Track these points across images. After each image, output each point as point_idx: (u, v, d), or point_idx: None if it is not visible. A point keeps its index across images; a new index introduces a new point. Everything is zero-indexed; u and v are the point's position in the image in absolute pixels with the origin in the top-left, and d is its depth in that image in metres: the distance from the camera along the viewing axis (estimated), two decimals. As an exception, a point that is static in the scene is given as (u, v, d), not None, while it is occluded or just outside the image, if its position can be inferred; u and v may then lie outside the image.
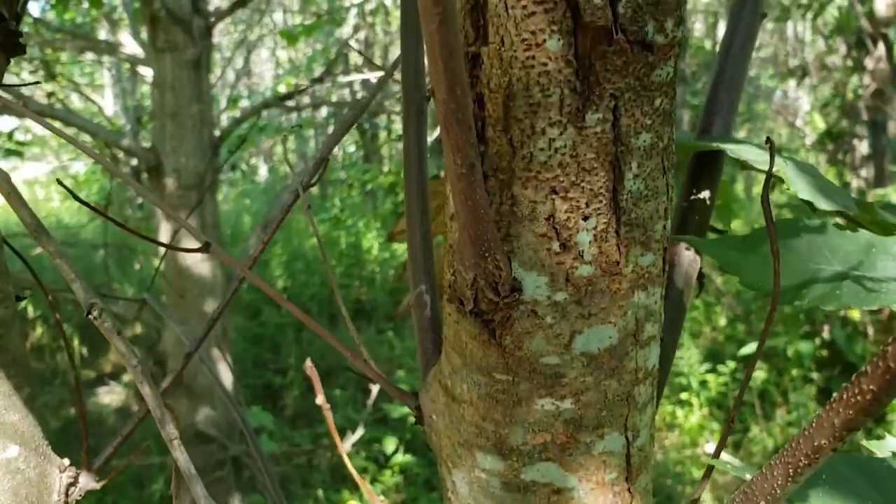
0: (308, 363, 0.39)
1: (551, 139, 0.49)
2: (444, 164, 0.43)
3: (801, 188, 0.67)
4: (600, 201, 0.50)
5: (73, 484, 0.71)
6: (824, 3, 6.18)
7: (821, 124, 8.02)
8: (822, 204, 0.67)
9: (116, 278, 7.79)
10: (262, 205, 10.50)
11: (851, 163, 6.56)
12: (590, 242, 0.50)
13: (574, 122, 0.48)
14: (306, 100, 7.15)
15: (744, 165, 0.81)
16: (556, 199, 0.49)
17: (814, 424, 0.36)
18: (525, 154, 0.49)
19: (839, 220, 0.72)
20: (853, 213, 0.68)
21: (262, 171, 13.76)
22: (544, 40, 0.47)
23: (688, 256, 0.75)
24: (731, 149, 0.70)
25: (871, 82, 5.86)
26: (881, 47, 5.69)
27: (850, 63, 6.44)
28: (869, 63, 5.78)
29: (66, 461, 0.72)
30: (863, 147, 6.39)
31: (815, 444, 0.36)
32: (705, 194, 0.76)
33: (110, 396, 7.08)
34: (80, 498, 0.72)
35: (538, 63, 0.48)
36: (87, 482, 0.72)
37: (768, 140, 0.53)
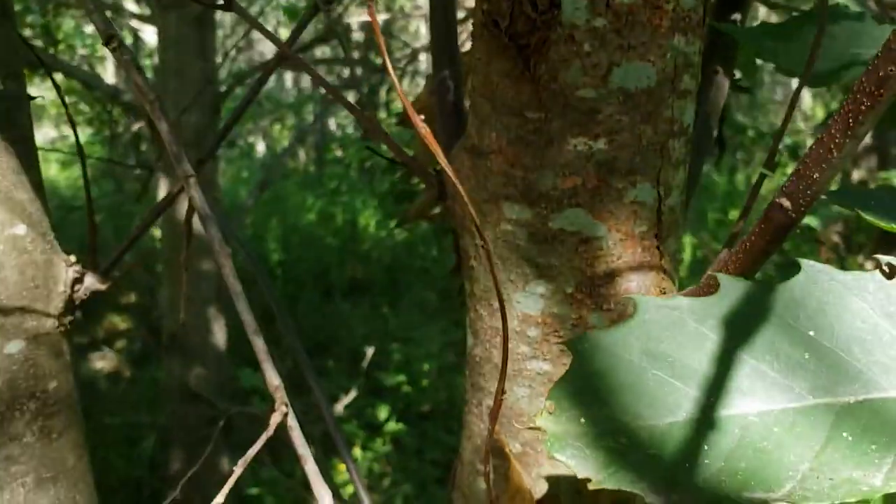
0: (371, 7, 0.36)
1: None
2: None
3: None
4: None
5: (78, 280, 0.69)
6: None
7: (822, 114, 7.99)
8: (856, 6, 0.65)
9: (114, 242, 7.76)
10: (259, 176, 10.47)
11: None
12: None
13: None
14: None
15: (769, 4, 0.79)
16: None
17: (881, 53, 0.34)
18: None
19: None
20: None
21: (260, 148, 13.72)
22: None
23: (717, 80, 0.73)
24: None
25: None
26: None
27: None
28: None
29: (73, 258, 0.70)
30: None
31: (882, 73, 0.34)
32: (736, 16, 0.74)
33: (102, 362, 7.05)
34: (84, 297, 0.69)
35: None
36: (92, 282, 0.70)
37: None
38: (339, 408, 4.68)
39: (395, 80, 0.40)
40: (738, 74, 0.86)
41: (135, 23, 5.46)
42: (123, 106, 4.74)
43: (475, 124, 0.54)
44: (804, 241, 6.56)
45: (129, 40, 9.40)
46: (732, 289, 0.37)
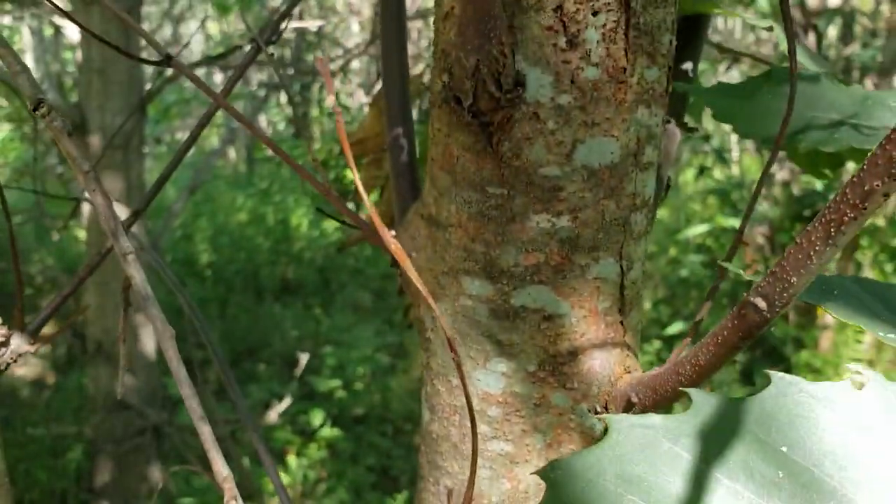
0: (319, 61, 0.34)
1: (561, -79, 0.45)
2: None
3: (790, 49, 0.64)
4: (612, -2, 0.46)
5: (3, 344, 0.64)
6: (755, -6, 6.31)
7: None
8: (811, 66, 0.65)
9: (34, 248, 7.52)
10: (188, 178, 10.27)
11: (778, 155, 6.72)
12: (598, 41, 0.46)
13: None
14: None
15: (721, 48, 0.79)
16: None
17: (864, 167, 0.33)
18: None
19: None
20: (838, 77, 0.66)
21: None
22: None
23: (670, 129, 0.73)
24: (719, 11, 0.68)
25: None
26: (811, 38, 5.83)
27: (780, 51, 6.59)
28: (798, 53, 5.92)
29: (-1, 318, 0.65)
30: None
31: (866, 187, 0.33)
32: (688, 65, 0.73)
33: (25, 368, 6.83)
34: (11, 361, 0.65)
35: None
36: (19, 344, 0.66)
37: (790, 50, 0.51)
38: (273, 415, 4.61)
39: (353, 166, 0.37)
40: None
41: (57, 18, 5.29)
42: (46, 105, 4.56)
43: (433, 194, 0.52)
44: (729, 243, 6.70)
45: (48, 32, 9.09)
46: (705, 405, 0.36)
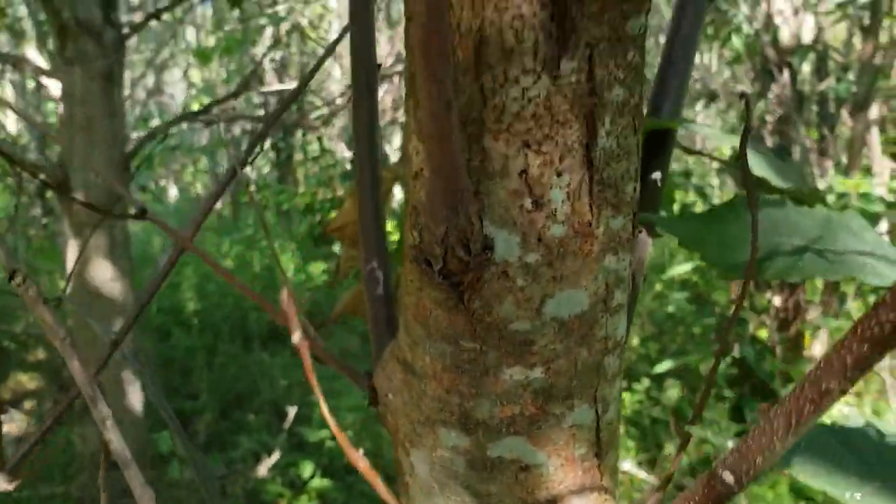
0: (284, 297, 0.35)
1: (525, 88, 0.46)
2: (415, 105, 0.40)
3: (755, 164, 0.66)
4: (573, 156, 0.47)
5: (-17, 483, 0.64)
6: (732, 31, 6.40)
7: (727, 151, 8.27)
8: (777, 181, 0.66)
9: (19, 304, 7.46)
10: (173, 227, 10.23)
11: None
12: (563, 200, 0.47)
13: (549, 70, 0.46)
14: (220, 117, 7.02)
15: (688, 150, 0.81)
16: (528, 153, 0.47)
17: (821, 366, 0.34)
18: (497, 104, 0.46)
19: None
20: (806, 190, 0.67)
21: (172, 193, 13.45)
22: (519, -18, 0.45)
23: (640, 238, 0.74)
24: (689, 126, 0.69)
25: (775, 108, 6.08)
26: (786, 74, 5.91)
27: (755, 89, 6.68)
28: (774, 89, 5.99)
29: (-24, 457, 0.65)
30: (768, 171, 6.61)
31: (823, 387, 0.34)
32: (657, 175, 0.75)
33: (9, 426, 6.75)
34: (-8, 499, 0.65)
35: (512, 5, 0.45)
36: None
37: (743, 95, 0.52)
38: (263, 469, 4.57)
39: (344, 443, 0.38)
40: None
41: (36, 76, 5.30)
42: (27, 167, 4.57)
43: (408, 342, 0.52)
44: (716, 279, 6.73)
45: (30, 90, 9.10)
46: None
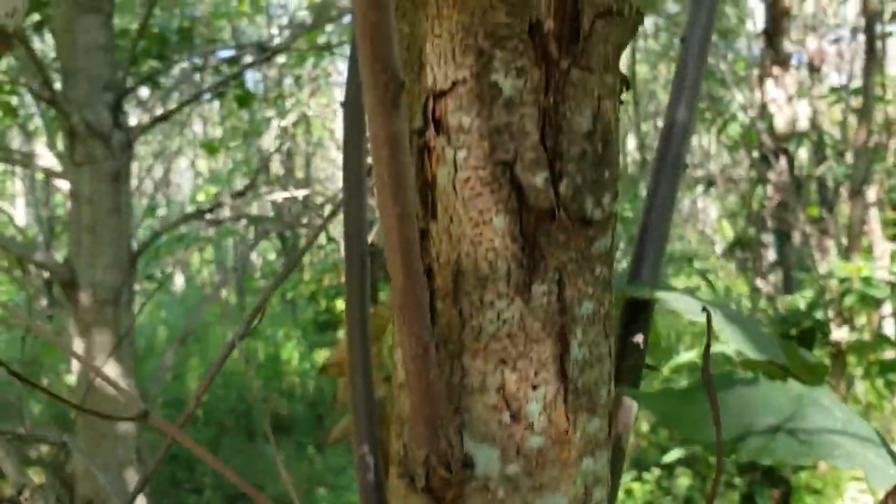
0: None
1: (499, 311, 0.49)
2: (399, 344, 0.43)
3: (731, 338, 0.69)
4: (548, 371, 0.50)
5: None
6: (728, 120, 6.53)
7: (730, 232, 8.34)
8: (752, 353, 0.69)
9: (23, 396, 7.44)
10: (179, 316, 10.26)
11: (759, 270, 6.81)
12: (539, 413, 0.50)
13: (521, 294, 0.50)
14: (226, 212, 7.13)
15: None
16: (505, 370, 0.50)
17: None
18: (474, 325, 0.50)
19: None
20: (781, 362, 0.70)
21: (179, 281, 13.52)
22: (491, 218, 0.49)
23: (625, 401, 0.76)
24: (663, 298, 0.72)
25: (774, 194, 6.16)
26: (783, 161, 6.00)
27: (753, 175, 6.77)
28: (772, 176, 6.08)
29: None
30: (770, 254, 6.65)
31: None
32: (638, 338, 0.78)
33: (11, 522, 6.66)
34: None
35: (486, 239, 0.49)
36: None
37: (705, 308, 0.56)
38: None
39: None
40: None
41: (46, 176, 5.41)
42: (36, 264, 4.63)
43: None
44: (725, 362, 6.70)
45: (39, 184, 9.25)
46: None
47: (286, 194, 4.54)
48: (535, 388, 0.50)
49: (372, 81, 0.33)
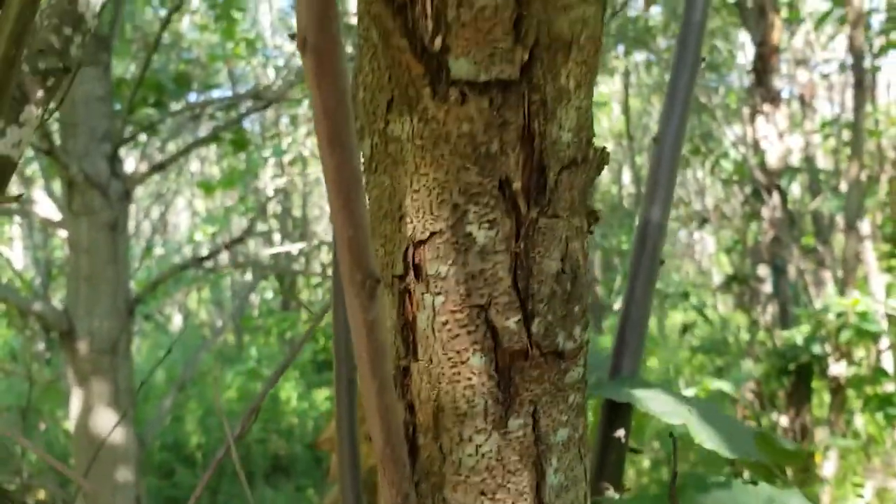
0: None
1: (478, 445, 0.53)
2: (381, 491, 0.47)
3: (705, 438, 0.72)
4: (525, 499, 0.54)
5: None
6: (719, 157, 6.59)
7: (726, 265, 8.38)
8: (727, 453, 0.73)
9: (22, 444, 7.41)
10: (178, 358, 10.25)
11: (756, 303, 6.84)
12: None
13: (498, 428, 0.53)
14: (224, 257, 7.17)
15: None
16: (484, 500, 0.53)
17: None
18: (454, 460, 0.53)
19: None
20: (754, 459, 0.73)
21: (177, 321, 13.52)
22: (468, 358, 0.52)
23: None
24: (641, 399, 0.76)
25: (768, 229, 6.20)
26: (776, 196, 6.05)
27: (747, 209, 6.82)
28: (765, 211, 6.12)
29: None
30: (766, 287, 6.68)
31: None
32: (620, 433, 0.81)
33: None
34: None
35: (463, 378, 0.52)
36: None
37: (671, 435, 0.59)
38: None
39: None
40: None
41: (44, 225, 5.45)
42: (34, 314, 4.65)
43: None
44: (723, 401, 6.72)
45: (37, 228, 9.29)
46: None
47: (284, 248, 4.57)
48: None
49: (351, 280, 0.36)
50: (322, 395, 9.46)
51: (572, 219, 0.55)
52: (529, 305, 0.53)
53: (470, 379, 0.52)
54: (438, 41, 0.50)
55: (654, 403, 0.76)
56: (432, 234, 0.52)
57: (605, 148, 0.57)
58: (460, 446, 0.53)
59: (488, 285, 0.52)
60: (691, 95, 0.86)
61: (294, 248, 4.53)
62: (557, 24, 0.51)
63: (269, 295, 12.82)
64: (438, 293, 0.52)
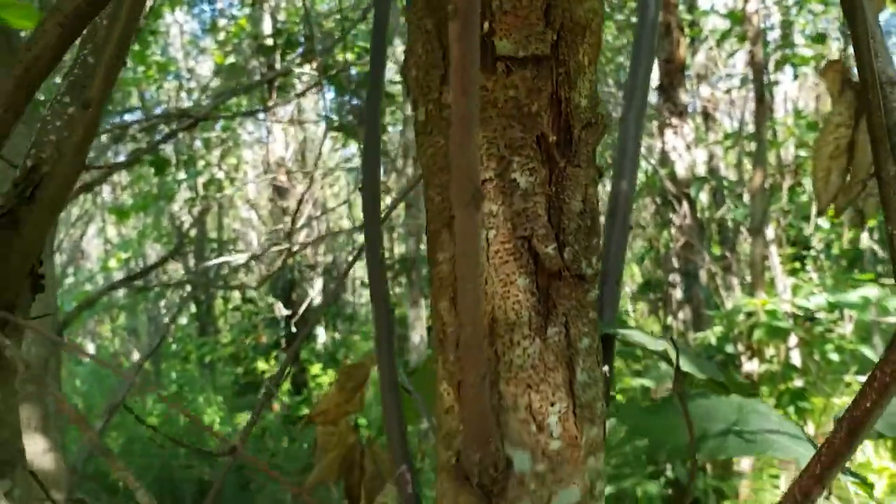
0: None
1: (525, 348, 0.66)
2: (445, 379, 0.59)
3: (683, 363, 0.87)
4: (562, 391, 0.67)
5: None
6: (631, 169, 6.86)
7: (638, 275, 8.72)
8: (699, 374, 0.87)
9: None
10: (94, 387, 10.01)
11: (669, 309, 7.14)
12: (556, 423, 0.67)
13: (540, 334, 0.66)
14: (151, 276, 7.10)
15: (628, 344, 1.01)
16: (531, 393, 0.66)
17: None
18: (507, 360, 0.66)
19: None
20: (721, 379, 0.88)
21: (90, 350, 13.17)
22: (515, 279, 0.66)
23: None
24: (627, 334, 0.90)
25: (679, 236, 6.50)
26: (685, 205, 6.36)
27: (658, 219, 7.13)
28: (675, 219, 6.43)
29: None
30: (678, 293, 6.99)
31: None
32: (604, 369, 0.95)
33: None
34: None
35: (512, 295, 0.66)
36: None
37: (676, 379, 0.73)
38: None
39: None
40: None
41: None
42: None
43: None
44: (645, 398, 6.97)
45: None
46: None
47: (221, 260, 4.60)
48: (552, 405, 0.66)
49: (462, 193, 0.49)
50: (244, 419, 9.37)
51: (589, 169, 0.69)
52: (561, 237, 0.67)
53: (517, 296, 0.66)
54: (486, 25, 0.64)
55: (637, 336, 0.91)
56: (484, 181, 0.65)
57: (609, 114, 0.71)
58: (511, 349, 0.66)
59: (530, 221, 0.66)
60: (649, 80, 1.02)
61: (237, 258, 4.57)
62: (577, 12, 0.66)
63: (184, 321, 12.63)
64: (490, 228, 0.66)
